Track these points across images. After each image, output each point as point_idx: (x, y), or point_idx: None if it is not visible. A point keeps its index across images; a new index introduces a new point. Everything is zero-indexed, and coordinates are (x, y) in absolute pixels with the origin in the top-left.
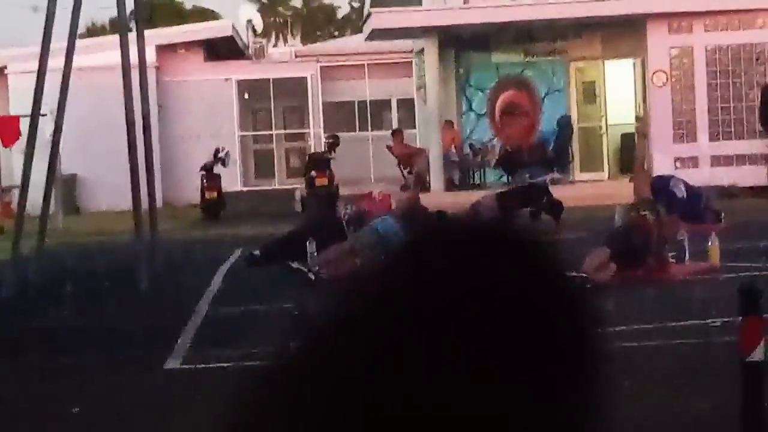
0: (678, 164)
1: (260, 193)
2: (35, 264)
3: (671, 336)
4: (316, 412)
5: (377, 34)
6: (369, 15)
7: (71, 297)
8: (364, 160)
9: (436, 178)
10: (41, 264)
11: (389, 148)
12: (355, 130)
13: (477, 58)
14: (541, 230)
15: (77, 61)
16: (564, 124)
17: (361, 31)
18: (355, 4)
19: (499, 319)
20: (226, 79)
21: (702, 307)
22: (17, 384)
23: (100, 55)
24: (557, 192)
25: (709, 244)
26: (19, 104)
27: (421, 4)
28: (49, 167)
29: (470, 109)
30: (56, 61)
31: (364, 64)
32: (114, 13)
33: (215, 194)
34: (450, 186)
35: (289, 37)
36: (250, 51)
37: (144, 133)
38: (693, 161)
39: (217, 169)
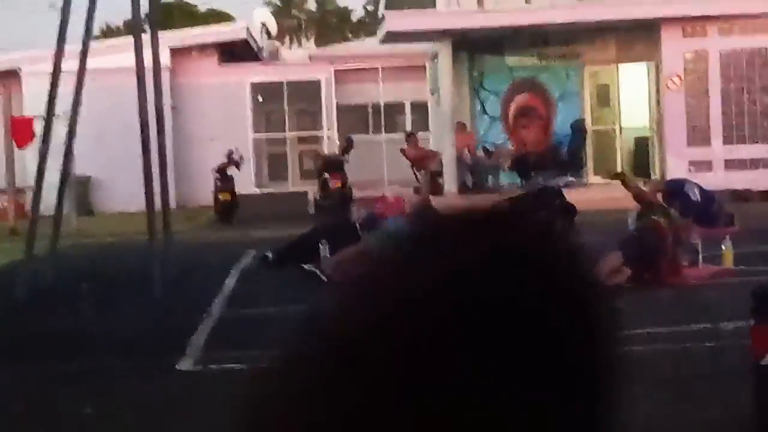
0: (692, 168)
1: (273, 196)
2: (49, 265)
3: (684, 339)
4: (345, 409)
5: (391, 38)
6: (383, 18)
7: (84, 298)
8: (377, 163)
9: (449, 181)
10: (55, 265)
11: (403, 151)
12: (368, 133)
13: (491, 62)
14: (564, 232)
15: (91, 62)
16: (578, 128)
17: (375, 35)
18: (370, 8)
19: (528, 322)
20: (240, 82)
21: (715, 311)
22: (30, 386)
23: (114, 57)
24: (571, 195)
25: (723, 247)
26: (33, 106)
27: (436, 8)
28: (62, 169)
29: (484, 112)
30: (70, 63)
31: (378, 67)
32: (128, 15)
33: (228, 196)
34: (463, 189)
35: (303, 40)
36: (264, 53)
37: (158, 135)
38: (707, 165)
39: (231, 171)
